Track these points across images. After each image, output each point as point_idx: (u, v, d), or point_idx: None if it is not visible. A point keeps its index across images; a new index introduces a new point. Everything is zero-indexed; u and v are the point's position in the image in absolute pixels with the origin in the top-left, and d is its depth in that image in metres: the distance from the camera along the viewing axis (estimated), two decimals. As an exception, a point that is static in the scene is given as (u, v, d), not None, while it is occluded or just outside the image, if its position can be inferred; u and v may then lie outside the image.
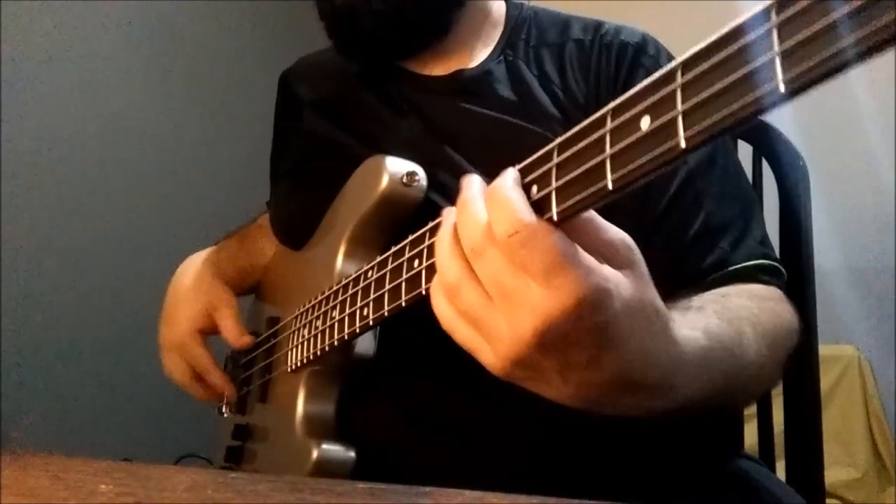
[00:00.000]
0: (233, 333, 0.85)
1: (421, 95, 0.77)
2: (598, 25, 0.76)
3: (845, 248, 2.29)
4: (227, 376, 0.87)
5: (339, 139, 0.80)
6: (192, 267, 0.91)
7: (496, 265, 0.40)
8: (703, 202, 0.66)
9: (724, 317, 0.53)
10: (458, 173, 0.68)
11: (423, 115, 0.75)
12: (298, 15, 2.29)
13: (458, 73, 0.76)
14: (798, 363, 0.81)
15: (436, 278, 0.46)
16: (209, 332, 0.87)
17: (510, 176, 0.42)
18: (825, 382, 1.80)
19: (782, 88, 0.28)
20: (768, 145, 0.89)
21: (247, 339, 0.84)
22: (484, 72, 0.75)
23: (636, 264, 0.42)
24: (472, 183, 0.45)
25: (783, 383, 0.82)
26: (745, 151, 0.89)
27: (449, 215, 0.46)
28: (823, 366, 0.85)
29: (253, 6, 2.56)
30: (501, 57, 0.77)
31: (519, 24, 0.79)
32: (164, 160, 2.24)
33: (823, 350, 0.83)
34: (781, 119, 0.91)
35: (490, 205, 0.41)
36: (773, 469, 0.82)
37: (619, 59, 0.72)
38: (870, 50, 0.25)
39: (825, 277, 1.04)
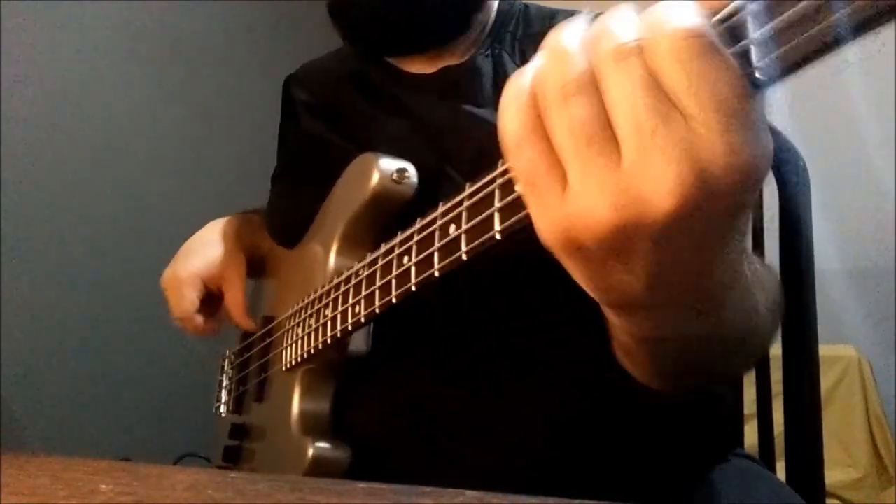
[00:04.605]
0: (239, 311, 0.85)
1: (410, 93, 0.77)
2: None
3: (845, 248, 2.28)
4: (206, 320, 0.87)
5: (330, 139, 0.80)
6: (218, 226, 0.91)
7: (635, 77, 0.30)
8: None
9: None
10: (446, 170, 0.68)
11: (412, 114, 0.75)
12: (297, 15, 2.30)
13: (445, 70, 0.77)
14: (798, 363, 0.81)
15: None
16: (210, 291, 0.87)
17: None
18: (825, 383, 1.80)
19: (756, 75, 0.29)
20: (768, 145, 0.89)
21: (251, 324, 0.85)
22: (470, 67, 0.75)
23: None
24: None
25: (783, 383, 0.82)
26: (744, 151, 0.89)
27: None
28: (823, 366, 0.84)
29: (252, 6, 2.56)
30: (489, 51, 0.77)
31: (507, 18, 0.79)
32: (163, 159, 2.24)
33: (823, 350, 0.83)
34: (781, 119, 0.91)
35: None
36: (773, 469, 0.82)
37: None
38: (831, 44, 0.26)
39: (825, 278, 1.03)
